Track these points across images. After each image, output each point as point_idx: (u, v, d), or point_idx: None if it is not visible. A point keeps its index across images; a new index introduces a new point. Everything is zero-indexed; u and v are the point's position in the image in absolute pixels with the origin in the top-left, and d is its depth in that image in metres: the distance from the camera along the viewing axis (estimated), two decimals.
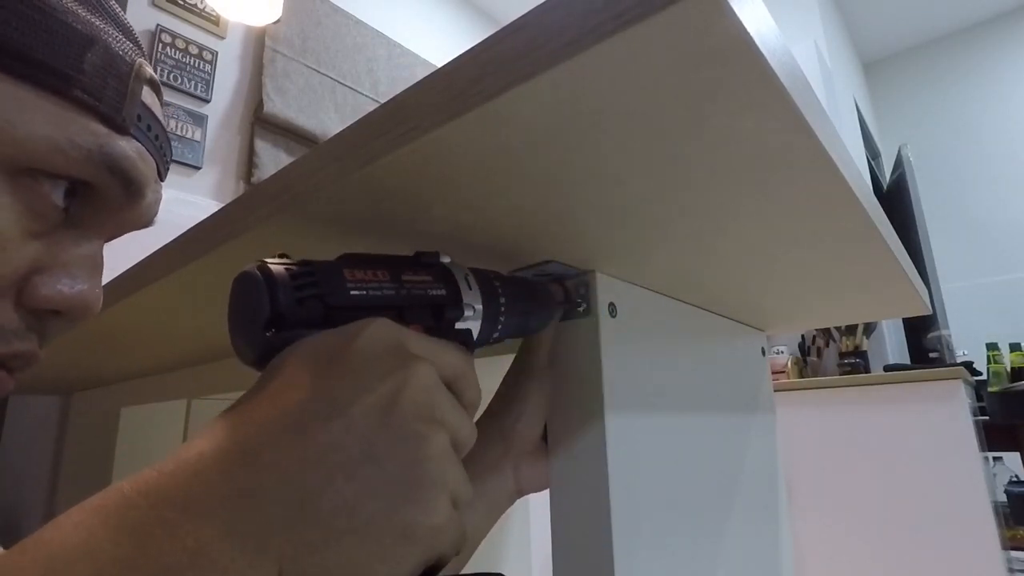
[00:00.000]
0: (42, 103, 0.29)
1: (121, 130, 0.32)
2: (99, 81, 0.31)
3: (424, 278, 0.33)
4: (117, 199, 0.33)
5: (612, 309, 0.49)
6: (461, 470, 0.28)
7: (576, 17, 0.23)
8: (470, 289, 0.35)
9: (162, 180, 0.37)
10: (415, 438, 0.25)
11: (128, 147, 0.32)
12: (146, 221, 0.37)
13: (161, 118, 0.36)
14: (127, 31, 0.34)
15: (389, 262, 0.32)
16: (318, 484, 0.23)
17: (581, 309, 0.49)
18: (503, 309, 0.37)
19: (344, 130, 0.34)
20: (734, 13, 0.20)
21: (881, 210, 0.46)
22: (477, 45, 0.27)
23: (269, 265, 0.27)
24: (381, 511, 0.24)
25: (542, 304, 0.43)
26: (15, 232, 0.30)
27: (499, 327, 0.37)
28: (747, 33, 0.21)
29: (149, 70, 0.34)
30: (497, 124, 0.28)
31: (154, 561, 0.20)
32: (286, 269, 0.27)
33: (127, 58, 0.33)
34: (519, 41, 0.25)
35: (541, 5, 0.24)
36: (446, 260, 0.35)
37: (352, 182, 0.34)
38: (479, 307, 0.35)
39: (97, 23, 0.31)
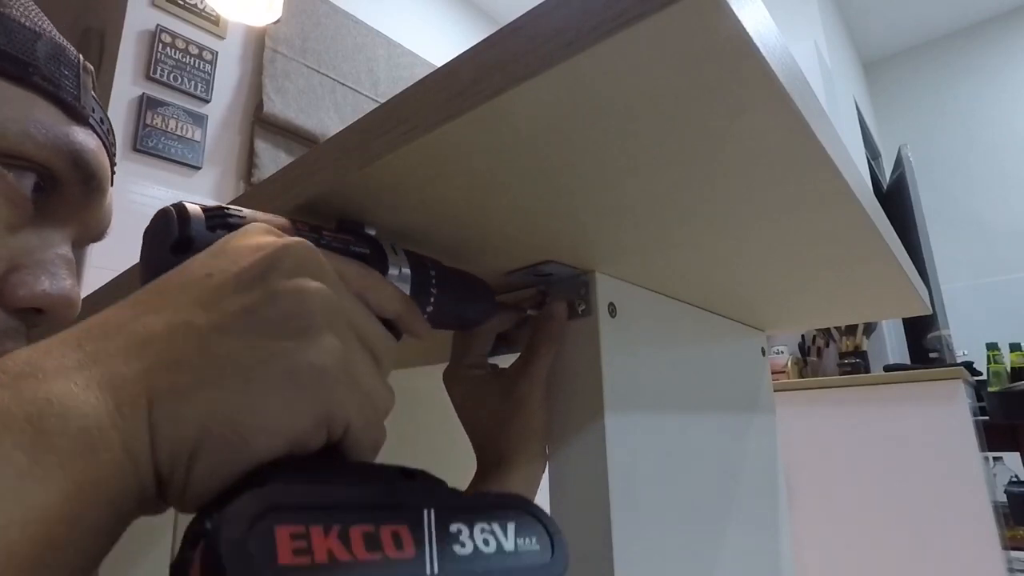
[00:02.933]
0: (6, 90, 0.30)
1: (81, 119, 0.33)
2: (54, 69, 0.32)
3: (347, 237, 0.33)
4: (80, 195, 0.34)
5: (612, 309, 0.49)
6: (370, 327, 0.27)
7: (575, 17, 0.23)
8: (395, 254, 0.35)
9: (111, 184, 0.38)
10: (294, 291, 0.24)
11: (87, 139, 0.33)
12: (104, 227, 0.37)
13: (104, 111, 0.37)
14: (57, 32, 0.35)
15: (308, 223, 0.32)
16: (187, 340, 0.22)
17: (530, 313, 0.50)
18: (434, 282, 0.37)
19: (343, 130, 0.34)
20: (733, 13, 0.20)
21: (881, 210, 0.46)
22: (476, 45, 0.27)
23: (184, 203, 0.28)
24: (258, 354, 0.22)
25: (479, 296, 0.42)
26: None
27: (431, 300, 0.37)
28: (746, 33, 0.21)
29: (89, 64, 0.36)
30: (496, 124, 0.28)
31: None
32: (200, 207, 0.28)
33: (71, 51, 0.34)
34: (518, 41, 0.25)
35: (540, 5, 0.24)
36: (371, 232, 0.35)
37: (351, 182, 0.34)
38: (406, 271, 0.34)
39: (36, 20, 0.33)
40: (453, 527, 0.22)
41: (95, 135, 0.35)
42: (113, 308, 0.23)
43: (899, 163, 2.74)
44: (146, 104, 2.12)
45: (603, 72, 0.24)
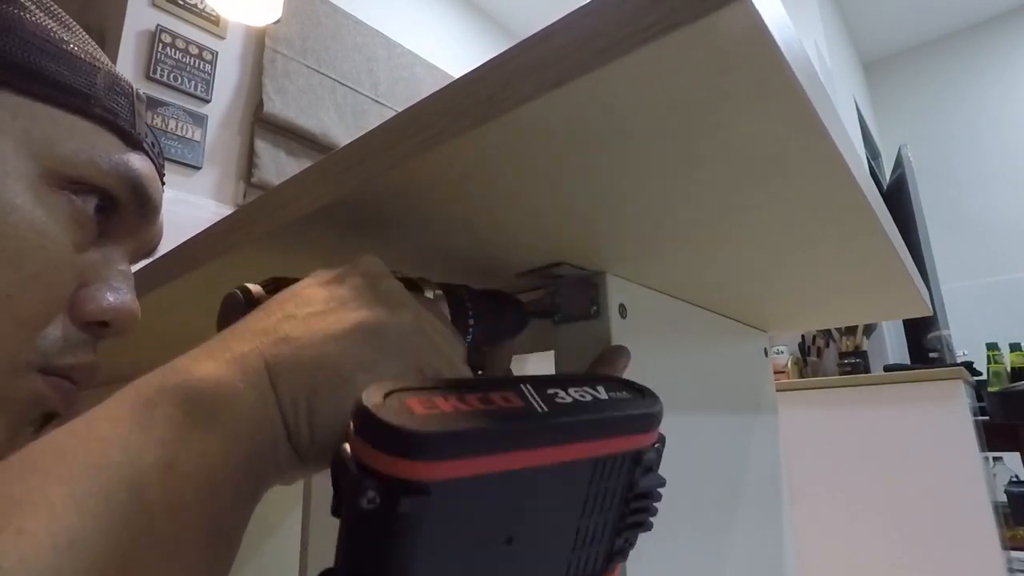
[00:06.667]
0: (72, 121, 0.33)
1: (136, 145, 0.37)
2: (112, 99, 0.35)
3: None
4: (137, 216, 0.37)
5: (622, 310, 0.50)
6: (438, 324, 0.31)
7: (608, 26, 0.23)
8: (429, 284, 0.37)
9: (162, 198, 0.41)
10: (372, 281, 0.30)
11: (143, 165, 0.37)
12: (154, 246, 0.41)
13: (156, 136, 0.41)
14: (111, 63, 0.38)
15: None
16: (291, 325, 0.27)
17: (556, 319, 0.50)
18: (469, 306, 0.39)
19: (367, 133, 0.34)
20: (764, 24, 0.21)
21: (887, 211, 0.47)
22: (504, 52, 0.27)
23: (244, 284, 0.32)
24: (348, 322, 0.27)
25: (511, 310, 0.44)
26: (67, 242, 0.33)
27: (470, 324, 0.39)
28: (775, 42, 0.21)
29: (143, 93, 0.39)
30: (523, 130, 0.29)
31: (150, 389, 0.23)
32: (260, 284, 0.32)
33: (125, 80, 0.38)
34: (548, 49, 0.25)
35: (570, 14, 0.25)
36: (398, 275, 0.37)
37: (374, 186, 0.35)
38: (439, 292, 0.37)
39: (93, 53, 0.36)
40: (550, 390, 0.25)
41: (149, 159, 0.38)
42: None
43: (899, 163, 2.75)
44: (146, 104, 2.12)
45: (632, 80, 0.24)
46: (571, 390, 0.26)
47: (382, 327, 0.27)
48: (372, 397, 0.21)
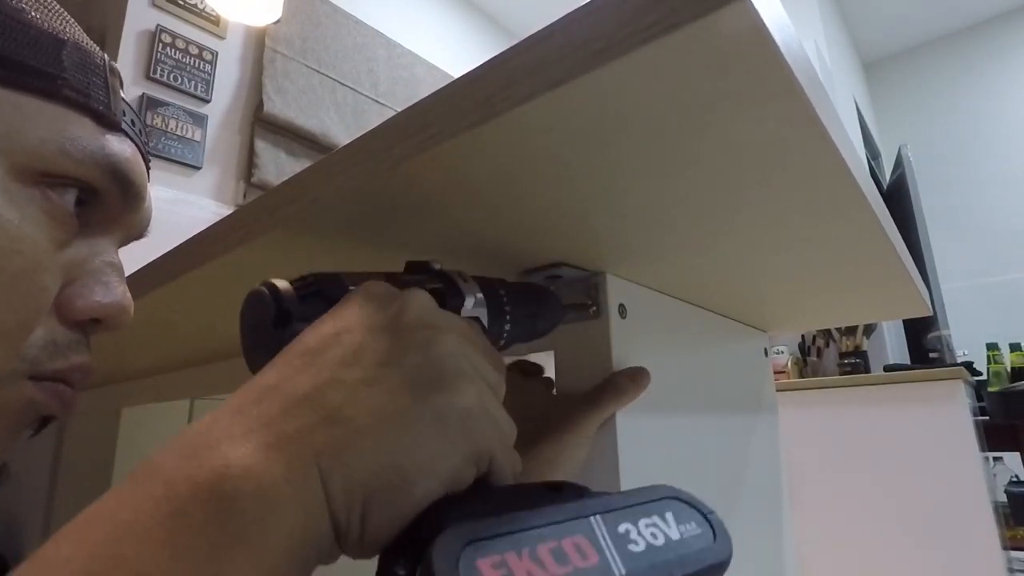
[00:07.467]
0: (39, 107, 0.30)
1: (113, 126, 0.33)
2: (82, 78, 0.32)
3: (419, 276, 0.34)
4: (120, 203, 0.34)
5: (622, 310, 0.50)
6: (486, 365, 0.28)
7: (608, 26, 0.23)
8: (465, 283, 0.35)
9: (148, 180, 0.38)
10: (424, 342, 0.26)
11: (122, 148, 0.33)
12: (145, 226, 0.38)
13: (136, 111, 0.37)
14: (78, 28, 0.34)
15: (382, 273, 0.33)
16: (339, 394, 0.23)
17: (592, 311, 0.49)
18: (506, 301, 0.38)
19: (366, 134, 0.34)
20: (764, 25, 0.21)
21: (887, 212, 0.47)
22: (504, 52, 0.27)
23: (271, 280, 0.29)
24: (407, 402, 0.24)
25: (548, 306, 0.43)
26: (45, 242, 0.30)
27: (507, 322, 0.38)
28: (774, 42, 0.21)
29: (114, 63, 0.35)
30: (522, 130, 0.29)
31: (182, 487, 0.19)
32: (287, 279, 0.29)
33: (97, 52, 0.34)
34: (548, 49, 0.25)
35: (569, 14, 0.25)
36: (437, 266, 0.36)
37: (373, 186, 0.35)
38: (480, 296, 0.36)
39: (56, 22, 0.31)
40: (621, 528, 0.24)
41: (129, 140, 0.34)
42: (259, 376, 0.25)
43: (899, 163, 2.75)
44: (146, 104, 2.12)
45: (632, 80, 0.24)
46: (642, 526, 0.24)
47: (445, 413, 0.25)
48: (445, 565, 0.19)
